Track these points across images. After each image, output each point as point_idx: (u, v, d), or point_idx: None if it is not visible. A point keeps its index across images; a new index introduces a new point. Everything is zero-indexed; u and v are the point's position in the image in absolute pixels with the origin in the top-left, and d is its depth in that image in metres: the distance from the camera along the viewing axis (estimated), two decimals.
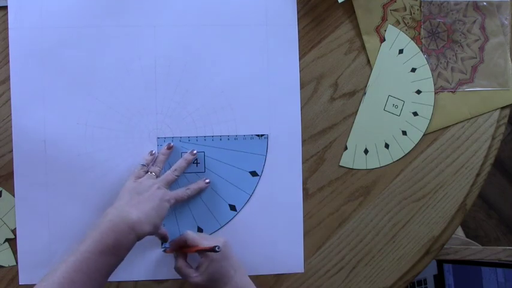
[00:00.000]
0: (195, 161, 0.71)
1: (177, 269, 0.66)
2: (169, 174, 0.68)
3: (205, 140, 0.72)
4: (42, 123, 0.70)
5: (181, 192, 0.68)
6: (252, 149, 0.72)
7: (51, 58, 0.70)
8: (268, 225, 0.72)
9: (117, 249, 0.57)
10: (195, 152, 0.71)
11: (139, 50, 0.71)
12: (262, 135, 0.72)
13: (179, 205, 0.70)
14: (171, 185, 0.68)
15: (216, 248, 0.61)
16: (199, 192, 0.71)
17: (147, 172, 0.68)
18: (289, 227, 0.72)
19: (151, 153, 0.70)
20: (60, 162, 0.70)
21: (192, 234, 0.66)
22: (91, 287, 0.55)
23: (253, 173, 0.72)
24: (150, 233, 0.61)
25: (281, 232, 0.71)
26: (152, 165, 0.69)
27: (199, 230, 0.71)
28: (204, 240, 0.65)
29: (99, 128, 0.70)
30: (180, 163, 0.70)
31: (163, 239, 0.69)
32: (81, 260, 0.55)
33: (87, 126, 0.70)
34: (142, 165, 0.69)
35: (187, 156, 0.70)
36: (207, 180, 0.71)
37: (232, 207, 0.72)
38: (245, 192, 0.72)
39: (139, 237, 0.60)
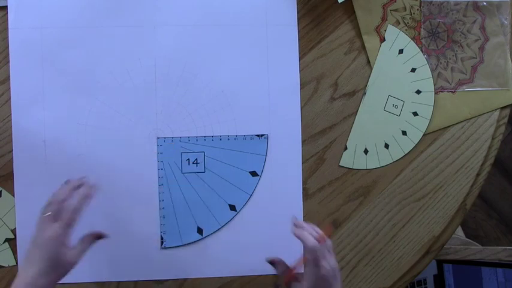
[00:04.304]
0: (195, 161, 0.71)
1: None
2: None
3: (205, 140, 0.72)
4: (42, 123, 0.70)
5: (68, 208, 0.58)
6: (252, 149, 0.72)
7: (51, 58, 0.70)
8: (268, 225, 0.72)
9: None
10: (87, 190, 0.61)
11: (139, 50, 0.71)
12: (262, 135, 0.72)
13: (178, 205, 0.71)
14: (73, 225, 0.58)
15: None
16: (86, 199, 0.60)
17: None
18: (289, 227, 0.72)
19: (65, 182, 0.62)
20: (60, 162, 0.70)
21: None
22: None
23: (253, 173, 0.72)
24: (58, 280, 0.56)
25: (281, 232, 0.71)
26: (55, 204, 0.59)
27: (199, 230, 0.71)
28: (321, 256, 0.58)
29: (99, 128, 0.70)
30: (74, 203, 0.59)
31: (96, 238, 0.63)
32: None
33: (87, 126, 0.70)
34: (46, 205, 0.59)
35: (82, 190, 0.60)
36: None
37: (232, 207, 0.72)
38: (245, 192, 0.72)
39: None
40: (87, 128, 0.70)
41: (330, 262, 0.58)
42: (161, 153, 0.71)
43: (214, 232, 0.72)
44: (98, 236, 0.63)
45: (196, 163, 0.72)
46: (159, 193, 0.71)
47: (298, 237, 0.60)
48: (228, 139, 0.72)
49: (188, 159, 0.71)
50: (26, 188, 0.69)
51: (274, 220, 0.72)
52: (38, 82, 0.69)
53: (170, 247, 0.71)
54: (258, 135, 0.72)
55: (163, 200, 0.71)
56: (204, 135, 0.72)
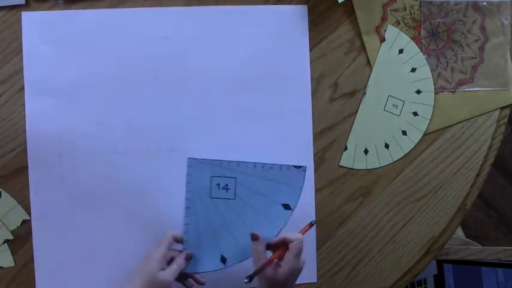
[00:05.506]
0: (225, 186, 0.68)
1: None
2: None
3: (238, 165, 0.68)
4: (59, 135, 0.68)
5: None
6: (288, 180, 0.68)
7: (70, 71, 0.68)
8: None
9: None
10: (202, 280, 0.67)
11: (169, 62, 0.69)
12: (300, 166, 0.69)
13: (204, 230, 0.67)
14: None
15: (312, 222, 0.66)
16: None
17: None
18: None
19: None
20: (76, 176, 0.68)
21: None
22: None
23: (286, 206, 0.68)
24: None
25: None
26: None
27: (223, 259, 0.67)
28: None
29: (124, 142, 0.68)
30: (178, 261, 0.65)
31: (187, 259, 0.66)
32: None
33: (114, 137, 0.68)
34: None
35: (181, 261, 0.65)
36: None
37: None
38: (275, 226, 0.67)
39: None
40: (114, 139, 0.68)
41: (303, 258, 0.62)
42: (190, 174, 0.68)
43: (239, 263, 0.67)
44: (188, 257, 0.66)
45: (227, 189, 0.68)
46: (185, 216, 0.68)
47: (284, 238, 0.63)
48: (263, 167, 0.68)
49: (218, 183, 0.68)
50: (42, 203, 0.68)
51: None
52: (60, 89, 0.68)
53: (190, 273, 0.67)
54: (295, 166, 0.68)
55: (187, 224, 0.67)
56: (238, 160, 0.69)
